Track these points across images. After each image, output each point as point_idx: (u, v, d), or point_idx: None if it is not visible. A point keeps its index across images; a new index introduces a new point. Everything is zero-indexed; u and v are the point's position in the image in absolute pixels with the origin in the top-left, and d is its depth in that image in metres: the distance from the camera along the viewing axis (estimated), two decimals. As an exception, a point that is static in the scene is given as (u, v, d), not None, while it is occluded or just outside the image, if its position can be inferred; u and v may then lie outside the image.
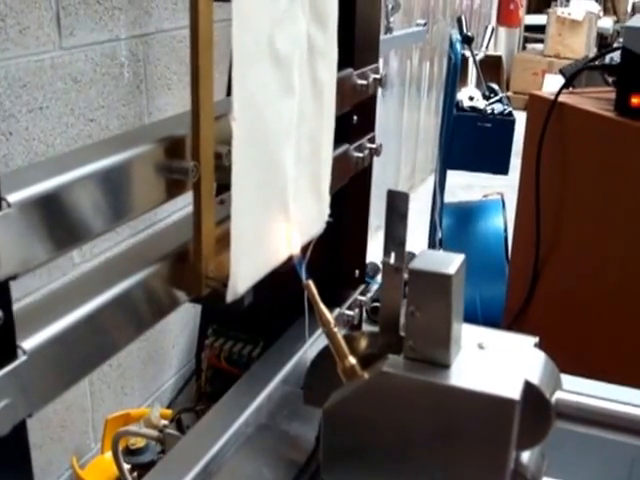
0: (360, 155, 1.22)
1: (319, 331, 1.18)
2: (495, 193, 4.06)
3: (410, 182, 5.42)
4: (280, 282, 0.95)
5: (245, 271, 0.82)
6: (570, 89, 2.16)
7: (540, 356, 0.92)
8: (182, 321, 2.62)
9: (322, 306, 0.89)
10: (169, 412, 1.38)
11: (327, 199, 1.01)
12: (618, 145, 1.97)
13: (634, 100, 1.86)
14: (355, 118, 1.19)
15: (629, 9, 8.03)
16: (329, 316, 0.89)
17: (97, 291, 0.69)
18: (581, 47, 7.73)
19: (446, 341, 0.84)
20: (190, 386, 2.65)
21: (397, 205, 0.84)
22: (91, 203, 0.64)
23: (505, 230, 3.74)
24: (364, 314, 1.36)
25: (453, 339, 0.85)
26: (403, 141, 5.11)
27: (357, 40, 1.12)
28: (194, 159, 0.73)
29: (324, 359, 0.97)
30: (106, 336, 0.70)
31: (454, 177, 3.75)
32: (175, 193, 0.75)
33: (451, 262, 0.83)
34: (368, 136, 1.27)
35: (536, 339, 0.93)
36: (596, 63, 2.10)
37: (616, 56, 2.02)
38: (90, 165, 0.64)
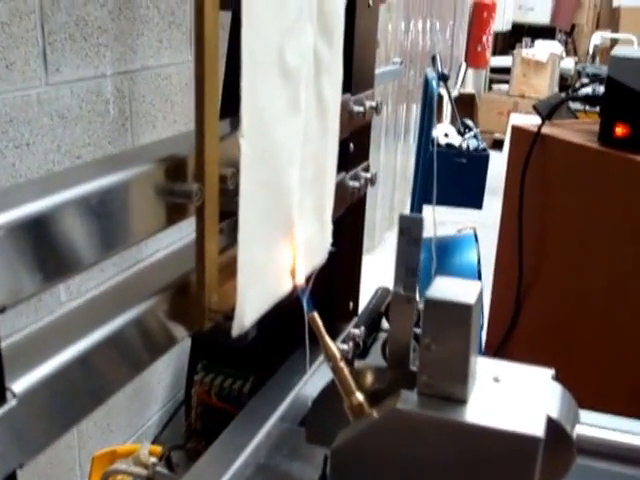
0: (356, 184, 1.14)
1: (315, 365, 1.10)
2: (469, 228, 4.01)
3: (388, 221, 5.36)
4: (272, 315, 0.86)
5: (251, 303, 0.74)
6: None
7: (557, 389, 0.84)
8: (167, 357, 2.52)
9: (328, 339, 0.80)
10: (157, 449, 1.30)
11: (330, 227, 0.93)
12: (602, 175, 1.91)
13: (618, 130, 1.80)
14: (351, 146, 1.12)
15: (590, 50, 8.08)
16: (335, 350, 0.80)
17: (92, 327, 0.60)
18: (544, 87, 7.74)
19: (464, 375, 0.76)
20: (175, 421, 2.56)
21: (410, 230, 0.76)
22: (86, 227, 0.55)
23: (478, 263, 3.69)
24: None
25: (470, 373, 0.77)
26: (380, 184, 5.05)
27: (355, 64, 1.05)
28: (198, 181, 0.64)
29: (327, 395, 0.88)
30: (104, 375, 0.61)
31: (426, 214, 3.70)
32: (176, 218, 0.66)
33: (469, 290, 0.75)
34: (363, 165, 1.19)
35: (552, 371, 0.85)
36: (577, 94, 2.05)
37: (597, 88, 1.97)
38: (85, 185, 0.55)
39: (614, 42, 8.48)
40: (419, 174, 3.44)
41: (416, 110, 5.54)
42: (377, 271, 4.19)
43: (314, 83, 0.81)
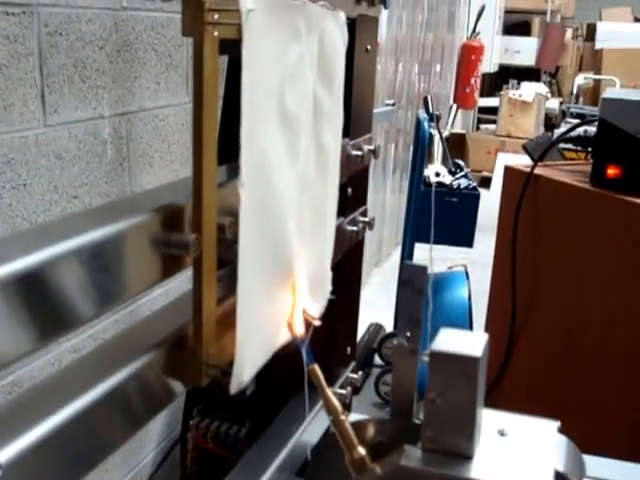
0: (354, 229, 1.10)
1: (313, 412, 1.05)
2: (459, 265, 3.98)
3: (377, 257, 5.31)
4: (268, 361, 0.82)
5: (250, 357, 0.69)
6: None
7: (563, 442, 0.79)
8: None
9: (329, 393, 0.75)
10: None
11: (329, 274, 0.88)
12: (595, 216, 1.88)
13: (610, 171, 1.77)
14: (349, 190, 1.08)
15: (574, 90, 8.11)
16: (337, 404, 0.76)
17: (86, 387, 0.55)
18: (531, 127, 7.75)
19: (470, 430, 0.71)
20: (170, 459, 2.50)
21: (413, 280, 0.72)
22: (80, 282, 0.51)
23: (469, 300, 3.66)
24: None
25: (476, 427, 0.72)
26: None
27: (354, 109, 1.01)
28: (195, 231, 0.60)
29: (328, 447, 0.83)
30: (98, 437, 0.56)
31: (416, 251, 3.68)
32: (173, 270, 0.62)
33: (476, 342, 0.70)
34: (361, 209, 1.15)
35: (558, 423, 0.80)
36: (569, 135, 2.02)
37: (589, 129, 1.94)
38: (79, 237, 0.50)
39: (597, 83, 8.53)
40: (411, 213, 3.41)
41: (405, 148, 5.53)
42: (366, 307, 4.12)
43: (313, 129, 0.77)
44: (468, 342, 0.70)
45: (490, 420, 0.78)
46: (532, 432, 0.78)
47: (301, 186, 0.76)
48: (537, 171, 2.00)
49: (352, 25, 0.97)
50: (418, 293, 0.72)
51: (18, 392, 0.52)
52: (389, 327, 3.77)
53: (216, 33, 0.57)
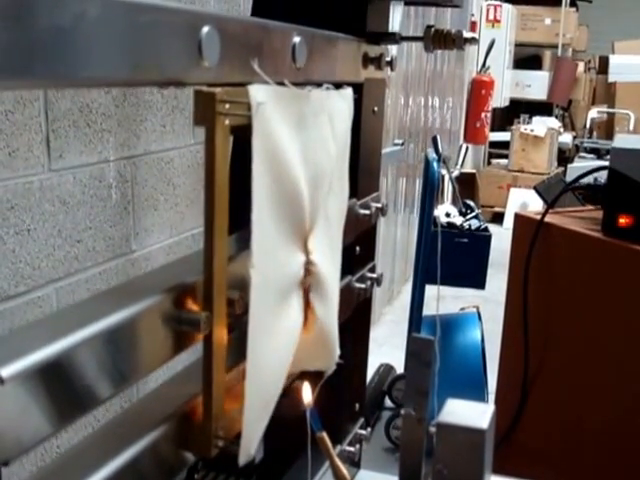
0: (362, 286, 1.13)
1: (323, 470, 1.07)
2: (472, 306, 3.99)
3: (388, 294, 5.33)
4: (274, 417, 0.84)
5: (259, 431, 0.71)
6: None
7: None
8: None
9: (338, 461, 0.78)
10: None
11: (337, 340, 0.91)
12: (606, 265, 1.90)
13: (622, 220, 1.80)
14: (357, 249, 1.11)
15: (587, 124, 8.15)
16: (346, 473, 0.78)
17: (99, 462, 0.58)
18: (543, 161, 7.78)
19: (477, 501, 0.73)
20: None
21: (421, 352, 0.75)
22: (96, 365, 0.54)
23: (482, 342, 3.66)
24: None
25: (484, 498, 0.74)
26: (380, 256, 5.03)
27: (361, 171, 1.04)
28: (206, 310, 0.63)
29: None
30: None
31: (427, 288, 3.71)
32: (183, 346, 0.65)
33: (482, 414, 0.73)
34: (369, 266, 1.18)
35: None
36: (579, 184, 2.04)
37: (601, 176, 1.97)
38: (94, 325, 0.53)
39: (611, 116, 8.58)
40: (421, 254, 3.43)
41: (414, 183, 5.56)
42: (377, 347, 4.13)
43: (323, 203, 0.80)
44: (474, 413, 0.73)
45: (497, 488, 0.80)
46: (539, 501, 0.81)
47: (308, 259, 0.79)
48: (548, 218, 2.02)
49: (359, 88, 1.00)
50: (425, 365, 0.75)
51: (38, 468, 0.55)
52: (400, 368, 3.76)
53: (227, 122, 0.60)
